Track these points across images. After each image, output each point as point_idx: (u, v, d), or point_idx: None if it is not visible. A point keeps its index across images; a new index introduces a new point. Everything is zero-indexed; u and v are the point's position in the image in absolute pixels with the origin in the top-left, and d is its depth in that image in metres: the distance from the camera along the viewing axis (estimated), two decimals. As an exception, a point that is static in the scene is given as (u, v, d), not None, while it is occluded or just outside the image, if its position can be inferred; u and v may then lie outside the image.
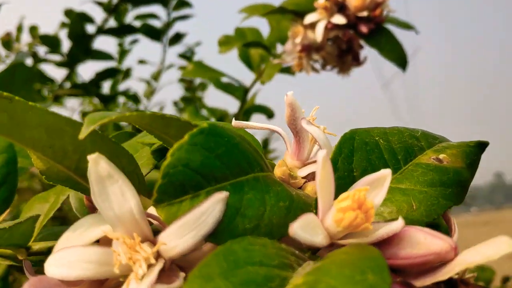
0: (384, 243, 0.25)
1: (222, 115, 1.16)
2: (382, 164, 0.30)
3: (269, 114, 1.20)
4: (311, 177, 0.34)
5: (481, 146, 0.32)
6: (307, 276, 0.21)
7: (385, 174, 0.25)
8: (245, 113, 1.17)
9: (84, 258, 0.25)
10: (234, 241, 0.23)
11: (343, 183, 0.28)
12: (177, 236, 0.24)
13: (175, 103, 1.99)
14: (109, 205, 0.25)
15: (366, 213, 0.24)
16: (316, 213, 0.28)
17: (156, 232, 0.27)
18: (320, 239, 0.24)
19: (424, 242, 0.24)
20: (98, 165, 0.25)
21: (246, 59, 1.13)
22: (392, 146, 0.30)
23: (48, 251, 0.38)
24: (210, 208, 0.24)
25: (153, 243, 0.26)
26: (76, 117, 1.50)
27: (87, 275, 0.25)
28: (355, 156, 0.29)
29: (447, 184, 0.29)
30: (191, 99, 2.00)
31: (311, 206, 0.29)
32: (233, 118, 0.39)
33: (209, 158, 0.25)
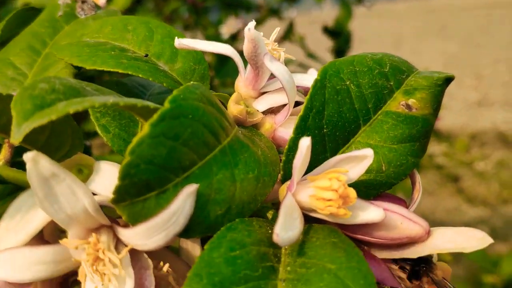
0: (359, 222, 0.25)
1: None
2: (353, 117, 0.27)
3: None
4: (268, 110, 0.31)
5: (448, 82, 0.30)
6: None
7: (367, 155, 0.24)
8: None
9: (36, 260, 0.22)
10: (213, 247, 0.22)
11: (313, 141, 0.26)
12: (146, 236, 0.22)
13: None
14: (60, 207, 0.21)
15: (346, 198, 0.23)
16: (284, 177, 0.27)
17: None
18: (298, 229, 0.23)
19: (400, 226, 0.24)
20: (38, 164, 0.20)
21: None
22: (363, 92, 0.28)
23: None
24: (180, 207, 0.22)
25: (111, 228, 0.24)
26: None
27: (44, 276, 0.22)
28: (326, 110, 0.27)
29: (416, 137, 0.28)
30: None
31: (277, 165, 0.27)
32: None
33: (175, 149, 0.22)
